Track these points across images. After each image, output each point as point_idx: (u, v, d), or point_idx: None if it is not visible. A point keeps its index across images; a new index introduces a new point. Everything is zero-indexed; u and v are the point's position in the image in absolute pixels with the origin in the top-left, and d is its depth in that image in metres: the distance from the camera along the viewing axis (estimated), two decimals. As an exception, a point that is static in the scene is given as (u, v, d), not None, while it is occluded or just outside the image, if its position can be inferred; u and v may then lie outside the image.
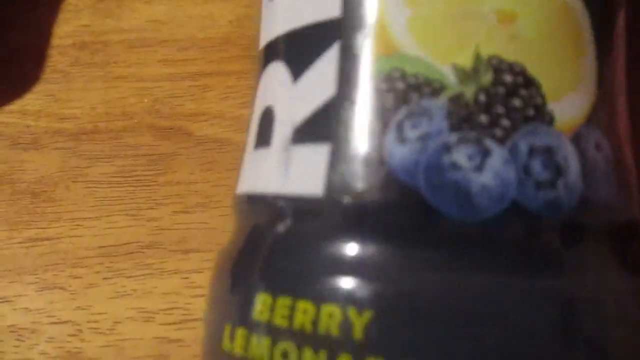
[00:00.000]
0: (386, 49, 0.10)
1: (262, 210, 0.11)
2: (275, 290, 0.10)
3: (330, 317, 0.09)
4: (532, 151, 0.09)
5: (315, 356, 0.09)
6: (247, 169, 0.13)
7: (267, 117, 0.12)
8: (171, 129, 0.26)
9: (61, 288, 0.21)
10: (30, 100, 0.27)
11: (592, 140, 0.10)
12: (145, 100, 0.27)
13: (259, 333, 0.09)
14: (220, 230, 0.22)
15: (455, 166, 0.09)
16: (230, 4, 0.32)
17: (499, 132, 0.09)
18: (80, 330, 0.20)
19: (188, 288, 0.21)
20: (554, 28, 0.10)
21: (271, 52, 0.12)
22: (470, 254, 0.09)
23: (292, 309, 0.09)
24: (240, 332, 0.10)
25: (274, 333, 0.09)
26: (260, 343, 0.09)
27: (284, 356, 0.09)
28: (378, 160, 0.10)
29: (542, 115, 0.09)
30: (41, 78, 0.28)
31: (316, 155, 0.10)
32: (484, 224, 0.09)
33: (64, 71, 0.28)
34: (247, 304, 0.10)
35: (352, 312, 0.09)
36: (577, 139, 0.10)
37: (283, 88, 0.11)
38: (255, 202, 0.12)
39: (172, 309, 0.20)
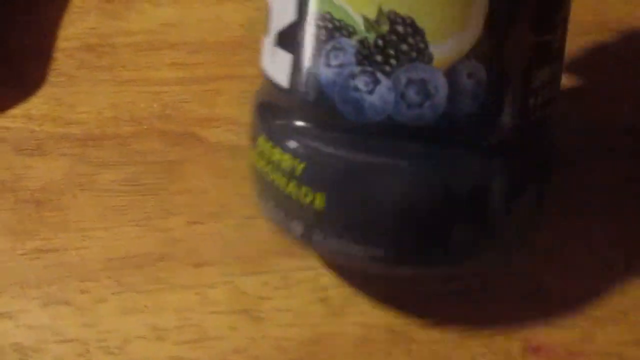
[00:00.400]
0: None
1: (265, 81, 0.17)
2: (266, 136, 0.16)
3: (285, 161, 0.15)
4: (409, 82, 0.13)
5: (279, 178, 0.15)
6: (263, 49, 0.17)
7: (268, 14, 0.16)
8: (182, 135, 0.24)
9: (67, 303, 0.19)
10: (35, 104, 0.25)
11: (466, 70, 0.13)
12: (155, 105, 0.26)
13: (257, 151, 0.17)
14: (235, 241, 0.21)
15: (356, 89, 0.13)
16: (241, 7, 0.31)
17: (387, 68, 0.13)
18: (88, 350, 0.18)
19: (202, 304, 0.19)
20: None
21: None
22: (359, 141, 0.14)
23: (271, 149, 0.16)
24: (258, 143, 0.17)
25: (265, 157, 0.16)
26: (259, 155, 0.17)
27: (264, 172, 0.16)
28: (314, 75, 0.14)
29: (423, 56, 0.13)
30: (46, 81, 0.26)
31: (285, 59, 0.15)
32: (369, 125, 0.14)
33: (70, 74, 0.27)
34: (255, 137, 0.17)
35: (295, 161, 0.15)
36: (450, 71, 0.13)
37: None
38: (264, 76, 0.17)
39: (185, 326, 0.19)
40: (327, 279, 0.20)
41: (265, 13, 0.18)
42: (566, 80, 0.24)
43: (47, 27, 0.28)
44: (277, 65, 0.15)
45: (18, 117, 0.24)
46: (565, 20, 0.15)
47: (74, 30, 0.28)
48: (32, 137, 0.23)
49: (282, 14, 0.15)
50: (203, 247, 0.20)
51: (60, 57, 0.27)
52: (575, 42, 0.27)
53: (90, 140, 0.23)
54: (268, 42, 0.16)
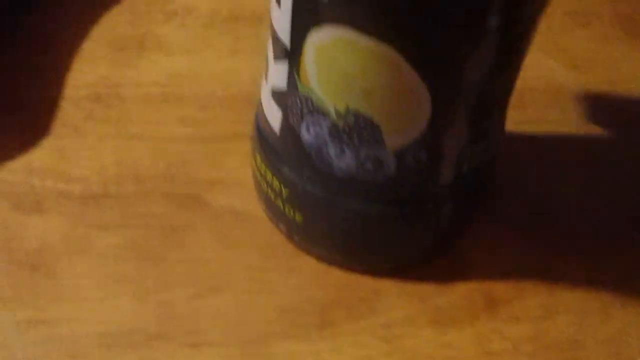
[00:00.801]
0: (305, 81, 0.16)
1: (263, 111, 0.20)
2: (261, 157, 0.20)
3: (275, 183, 0.20)
4: (366, 157, 0.17)
5: (270, 192, 0.20)
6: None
7: (267, 65, 0.19)
8: (186, 197, 0.23)
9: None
10: (38, 156, 0.24)
11: (411, 152, 0.17)
12: (160, 163, 0.24)
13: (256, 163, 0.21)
14: (237, 320, 0.19)
15: (328, 153, 0.17)
16: (254, 61, 0.30)
17: (351, 145, 0.17)
18: None
19: (198, 389, 0.18)
20: (396, 99, 0.16)
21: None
22: (328, 185, 0.18)
23: (265, 169, 0.20)
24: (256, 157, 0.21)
25: (260, 172, 0.21)
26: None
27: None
28: (297, 135, 0.18)
29: (378, 142, 0.16)
30: (51, 132, 0.26)
31: (277, 113, 0.18)
32: (336, 179, 0.18)
33: (76, 125, 0.26)
34: (255, 152, 0.21)
35: (282, 186, 0.20)
36: (398, 153, 0.17)
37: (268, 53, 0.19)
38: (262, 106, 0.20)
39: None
40: (331, 365, 0.19)
41: (265, 62, 0.19)
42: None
43: (56, 74, 0.27)
44: (271, 114, 0.18)
45: (19, 170, 0.23)
46: (505, 103, 0.19)
47: (83, 79, 0.27)
48: (32, 193, 0.22)
49: (276, 77, 0.18)
50: (202, 325, 0.19)
51: (67, 106, 0.26)
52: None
53: (91, 199, 0.22)
54: (266, 89, 0.19)
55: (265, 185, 0.20)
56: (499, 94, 0.17)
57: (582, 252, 0.22)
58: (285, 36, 0.16)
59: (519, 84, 0.19)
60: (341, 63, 0.15)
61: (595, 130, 0.28)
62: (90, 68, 0.28)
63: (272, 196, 0.20)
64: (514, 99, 0.20)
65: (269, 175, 0.20)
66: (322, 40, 0.15)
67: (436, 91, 0.15)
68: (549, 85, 0.30)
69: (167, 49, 0.29)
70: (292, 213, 0.19)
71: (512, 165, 0.25)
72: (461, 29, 0.14)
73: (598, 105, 0.30)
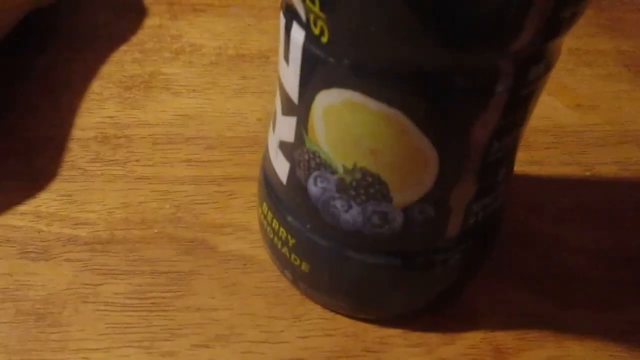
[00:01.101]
0: (313, 138, 0.17)
1: (269, 159, 0.20)
2: (268, 206, 0.20)
3: (282, 232, 0.20)
4: (373, 212, 0.17)
5: (276, 240, 0.20)
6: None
7: (275, 115, 0.19)
8: (193, 241, 0.23)
9: None
10: (45, 200, 0.24)
11: (418, 208, 0.17)
12: (167, 206, 0.25)
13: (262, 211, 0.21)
14: (242, 372, 0.20)
15: (334, 207, 0.17)
16: (260, 100, 0.30)
17: (358, 200, 0.17)
18: None
19: None
20: (404, 159, 0.16)
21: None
22: (335, 237, 0.18)
23: (272, 218, 0.20)
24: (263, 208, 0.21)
25: (267, 220, 0.21)
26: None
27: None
28: (304, 188, 0.18)
29: (385, 198, 0.17)
30: (58, 175, 0.26)
31: (284, 165, 0.19)
32: (343, 231, 0.18)
33: (83, 168, 0.26)
34: (261, 200, 0.21)
35: (288, 235, 0.20)
36: (406, 209, 0.17)
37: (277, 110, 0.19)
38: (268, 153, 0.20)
39: None
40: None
41: (273, 110, 0.19)
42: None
43: (64, 114, 0.27)
44: (278, 164, 0.19)
45: (27, 215, 0.23)
46: (511, 159, 0.18)
47: (91, 119, 0.27)
48: (39, 239, 0.22)
49: (284, 131, 0.18)
50: (207, 377, 0.19)
51: (75, 148, 0.26)
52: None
53: (98, 245, 0.22)
54: (273, 140, 0.19)
55: (271, 233, 0.20)
56: (506, 152, 0.17)
57: (591, 301, 0.22)
58: (293, 93, 0.16)
59: None
60: (349, 124, 0.15)
61: (600, 171, 0.28)
62: (98, 108, 0.28)
63: (279, 244, 0.20)
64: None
65: (276, 224, 0.20)
66: (330, 101, 0.15)
67: (443, 152, 0.15)
68: (553, 126, 0.30)
69: (174, 88, 0.29)
70: (298, 262, 0.19)
71: (518, 209, 0.25)
72: (469, 95, 0.14)
73: (602, 145, 0.30)
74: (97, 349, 0.19)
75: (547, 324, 0.22)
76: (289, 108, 0.17)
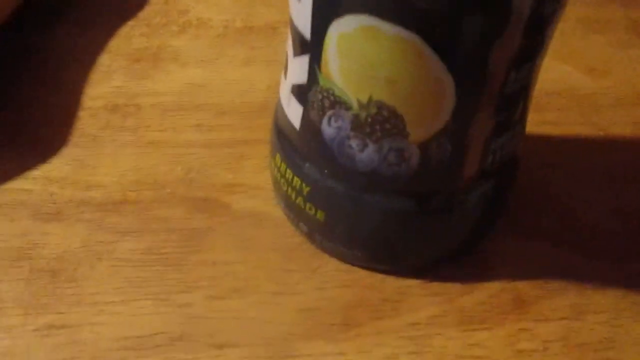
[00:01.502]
0: (327, 73, 0.16)
1: (282, 109, 0.20)
2: (281, 156, 0.20)
3: (296, 181, 0.20)
4: (390, 149, 0.17)
5: (290, 191, 0.20)
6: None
7: (287, 61, 0.19)
8: (205, 200, 0.23)
9: (77, 387, 0.18)
10: (57, 166, 0.24)
11: (435, 144, 0.16)
12: (179, 169, 0.25)
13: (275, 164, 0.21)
14: (260, 321, 0.19)
15: (350, 147, 0.17)
16: (269, 69, 0.30)
17: (374, 137, 0.17)
18: None
19: (223, 391, 0.18)
20: (420, 88, 0.16)
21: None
22: (351, 180, 0.18)
23: (285, 168, 0.20)
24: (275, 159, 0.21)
25: (280, 171, 0.21)
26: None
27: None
28: (319, 129, 0.18)
29: (401, 133, 0.16)
30: (69, 141, 0.26)
31: (298, 109, 0.19)
32: (359, 173, 0.18)
33: (94, 135, 0.26)
34: (274, 153, 0.21)
35: (303, 184, 0.19)
36: (422, 144, 0.16)
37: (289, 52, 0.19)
38: (281, 104, 0.20)
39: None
40: (357, 366, 0.18)
41: (285, 57, 0.19)
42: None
43: (73, 86, 0.28)
44: (291, 110, 0.18)
45: (38, 179, 0.23)
46: (528, 95, 0.18)
47: (100, 90, 0.28)
48: (51, 201, 0.22)
49: (296, 73, 0.18)
50: (225, 327, 0.19)
51: (85, 116, 0.26)
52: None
53: (111, 206, 0.22)
54: (285, 86, 0.19)
55: (285, 184, 0.20)
56: (523, 84, 0.17)
57: (611, 253, 0.22)
58: (305, 29, 0.16)
59: (536, 87, 0.19)
60: (364, 52, 0.15)
61: (614, 131, 0.28)
62: (107, 79, 0.28)
63: (293, 195, 0.20)
64: (532, 102, 0.20)
65: (289, 174, 0.20)
66: (344, 29, 0.15)
67: (461, 80, 0.15)
68: (566, 89, 0.30)
69: (182, 59, 0.30)
70: (313, 211, 0.19)
71: (534, 167, 0.25)
72: (487, 16, 0.14)
73: (616, 106, 0.29)
74: (113, 302, 0.19)
75: (568, 274, 0.21)
76: (301, 47, 0.17)
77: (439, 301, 0.20)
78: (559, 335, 0.20)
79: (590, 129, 0.28)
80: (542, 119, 0.28)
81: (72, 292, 0.19)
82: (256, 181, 0.24)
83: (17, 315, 0.19)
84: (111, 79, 0.28)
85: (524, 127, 0.19)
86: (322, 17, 0.16)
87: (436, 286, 0.20)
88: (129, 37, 0.31)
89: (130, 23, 0.32)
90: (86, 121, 0.26)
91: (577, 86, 0.30)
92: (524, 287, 0.21)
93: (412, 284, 0.20)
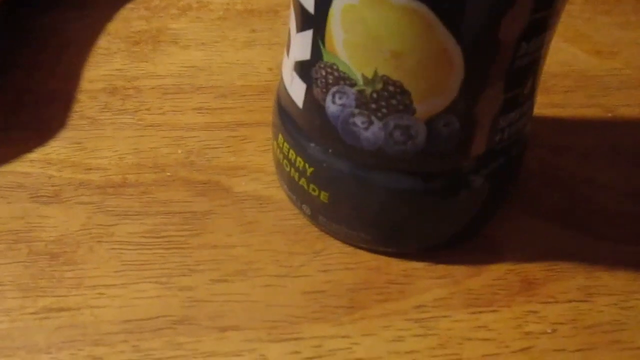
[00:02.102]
0: (331, 48, 0.16)
1: (284, 87, 0.20)
2: (284, 136, 0.20)
3: (299, 162, 0.19)
4: (396, 126, 0.16)
5: (293, 172, 0.20)
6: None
7: (289, 38, 0.19)
8: (207, 183, 0.23)
9: (78, 370, 0.17)
10: (55, 148, 0.24)
11: (442, 120, 0.16)
12: (179, 151, 0.24)
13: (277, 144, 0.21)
14: (264, 304, 0.19)
15: (355, 124, 0.17)
16: (270, 52, 0.30)
17: (379, 114, 0.16)
18: None
19: (225, 374, 0.17)
20: (428, 62, 0.15)
21: None
22: (355, 159, 0.18)
23: (288, 149, 0.20)
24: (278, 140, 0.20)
25: (283, 152, 0.20)
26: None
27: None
28: (322, 107, 0.17)
29: (408, 110, 0.16)
30: (67, 124, 0.25)
31: (301, 87, 0.18)
32: (364, 152, 0.17)
33: (93, 117, 0.26)
34: (276, 133, 0.21)
35: (306, 164, 0.19)
36: (429, 121, 0.16)
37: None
38: (283, 83, 0.20)
39: (206, 399, 0.17)
40: (362, 349, 0.18)
41: (287, 34, 0.18)
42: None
43: (71, 69, 0.27)
44: (294, 88, 0.18)
45: (36, 162, 0.23)
46: (537, 71, 0.18)
47: (99, 72, 0.27)
48: (50, 184, 0.22)
49: (299, 49, 0.17)
50: (227, 309, 0.18)
51: (84, 99, 0.26)
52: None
53: (111, 188, 0.22)
54: (287, 64, 0.18)
55: (288, 165, 0.20)
56: (533, 58, 0.16)
57: (621, 235, 0.22)
58: (309, 2, 0.16)
59: (543, 69, 0.19)
60: (370, 24, 0.15)
61: (623, 113, 0.28)
62: (106, 62, 0.28)
63: (296, 176, 0.19)
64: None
65: (293, 154, 0.19)
66: (349, 1, 0.15)
67: (469, 52, 0.15)
68: (573, 71, 0.30)
69: (182, 42, 0.29)
70: (317, 192, 0.19)
71: (542, 148, 0.25)
72: None
73: (624, 88, 0.29)
74: (113, 285, 0.19)
75: (576, 256, 0.21)
76: (304, 21, 0.17)
77: (446, 283, 0.20)
78: (567, 317, 0.19)
79: (598, 110, 0.28)
80: (549, 101, 0.28)
81: (72, 275, 0.19)
82: (258, 164, 0.23)
83: (15, 298, 0.18)
84: (110, 61, 0.28)
85: (532, 105, 0.19)
86: None
87: (442, 268, 0.20)
88: (128, 20, 0.30)
89: (129, 6, 0.31)
90: (85, 104, 0.25)
91: (584, 68, 0.30)
92: (531, 269, 0.20)
93: (418, 267, 0.20)
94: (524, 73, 0.17)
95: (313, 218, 0.20)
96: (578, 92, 0.28)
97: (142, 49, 0.28)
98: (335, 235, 0.20)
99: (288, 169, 0.20)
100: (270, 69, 0.28)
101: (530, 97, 0.18)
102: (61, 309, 0.18)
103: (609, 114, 0.27)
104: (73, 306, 0.18)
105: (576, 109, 0.27)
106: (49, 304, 0.18)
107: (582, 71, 0.30)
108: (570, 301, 0.20)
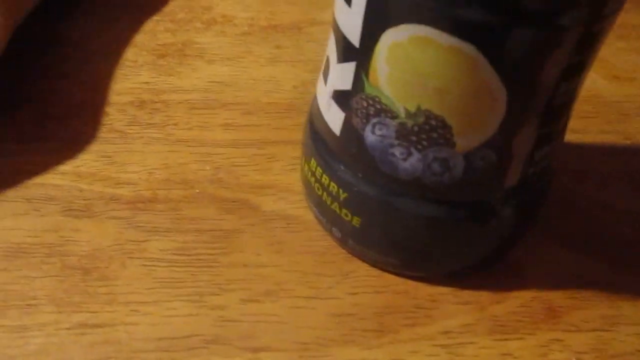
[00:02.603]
0: (374, 81, 0.16)
1: (318, 109, 0.20)
2: (317, 161, 0.20)
3: (332, 187, 0.20)
4: (434, 158, 0.17)
5: (325, 196, 0.20)
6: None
7: (327, 65, 0.19)
8: (235, 201, 0.23)
9: (112, 387, 0.18)
10: (85, 161, 0.24)
11: (480, 154, 0.16)
12: (207, 168, 0.25)
13: (309, 167, 0.21)
14: (294, 325, 0.19)
15: (393, 155, 0.17)
16: (294, 69, 0.30)
17: (419, 146, 0.16)
18: None
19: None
20: (472, 99, 0.15)
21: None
22: (391, 188, 0.18)
23: (321, 173, 0.20)
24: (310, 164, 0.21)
25: (315, 176, 0.21)
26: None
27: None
28: (361, 137, 0.17)
29: (448, 143, 0.16)
30: (97, 137, 0.25)
31: (338, 115, 0.19)
32: (401, 184, 0.18)
33: (122, 131, 0.26)
34: (309, 156, 0.21)
35: (339, 190, 0.19)
36: (467, 154, 0.16)
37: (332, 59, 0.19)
38: (317, 103, 0.20)
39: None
40: (391, 372, 0.18)
41: (324, 61, 0.19)
42: None
43: (98, 81, 0.28)
44: (331, 115, 0.18)
45: (67, 175, 0.23)
46: (572, 107, 0.18)
47: (126, 85, 0.27)
48: (81, 197, 0.22)
49: (340, 79, 0.18)
50: (259, 330, 0.19)
51: (112, 112, 0.26)
52: None
53: (141, 203, 0.22)
54: (325, 91, 0.19)
55: (320, 189, 0.20)
56: (569, 96, 0.17)
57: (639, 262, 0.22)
58: (354, 36, 0.16)
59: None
60: (416, 62, 0.15)
61: (638, 139, 0.28)
62: (133, 74, 0.28)
63: (328, 200, 0.20)
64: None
65: (326, 179, 0.20)
66: (397, 39, 0.15)
67: (513, 91, 0.15)
68: (591, 96, 0.30)
69: (207, 56, 0.29)
70: (349, 217, 0.19)
71: (563, 175, 0.25)
72: (544, 30, 0.14)
73: (641, 115, 0.29)
74: (146, 302, 0.19)
75: (598, 285, 0.21)
76: (347, 53, 0.17)
77: (471, 309, 0.20)
78: (591, 346, 0.20)
79: (617, 137, 0.28)
80: (568, 127, 0.28)
81: (105, 290, 0.19)
82: (285, 183, 0.24)
83: (50, 313, 0.19)
84: (137, 74, 0.28)
85: (563, 138, 0.19)
86: (375, 25, 0.15)
87: (468, 294, 0.20)
88: (154, 32, 0.30)
89: (155, 18, 0.31)
90: (114, 116, 0.26)
91: (602, 94, 0.30)
92: (555, 296, 0.21)
93: (445, 291, 0.20)
94: (561, 110, 0.17)
95: (342, 241, 0.20)
96: (597, 118, 0.29)
97: (169, 62, 0.29)
98: (364, 259, 0.21)
99: (320, 193, 0.20)
100: (295, 87, 0.28)
101: (563, 130, 0.18)
102: (95, 325, 0.18)
103: (628, 141, 0.28)
104: (107, 322, 0.19)
105: (595, 136, 0.28)
106: (83, 319, 0.19)
107: (600, 97, 0.30)
108: (593, 330, 0.20)
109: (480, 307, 0.20)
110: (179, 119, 0.26)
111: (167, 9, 0.32)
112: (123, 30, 0.30)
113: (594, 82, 0.31)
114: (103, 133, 0.25)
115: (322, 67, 0.19)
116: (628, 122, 0.29)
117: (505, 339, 0.19)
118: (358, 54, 0.16)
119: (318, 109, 0.20)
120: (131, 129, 0.25)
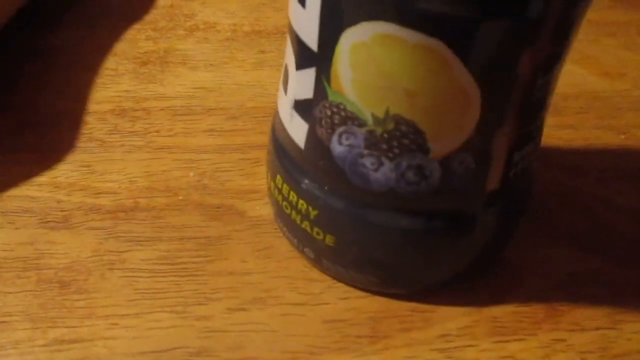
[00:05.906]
0: (337, 87, 0.15)
1: (281, 123, 0.18)
2: (283, 177, 0.19)
3: (301, 204, 0.18)
4: (408, 167, 0.15)
5: (294, 215, 0.18)
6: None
7: (286, 73, 0.17)
8: (220, 207, 0.22)
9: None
10: (63, 172, 0.23)
11: (457, 159, 0.15)
12: (191, 174, 0.24)
13: (275, 184, 0.19)
14: (283, 333, 0.18)
15: (364, 166, 0.15)
16: (279, 73, 0.29)
17: (390, 155, 0.15)
18: None
19: (246, 409, 0.16)
20: (443, 100, 0.14)
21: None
22: (364, 202, 0.16)
23: (288, 190, 0.18)
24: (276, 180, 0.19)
25: (282, 193, 0.19)
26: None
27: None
28: (327, 148, 0.16)
29: (421, 149, 0.15)
30: (76, 146, 0.25)
31: (302, 126, 0.17)
32: (375, 197, 0.16)
33: (101, 139, 0.25)
34: (274, 173, 0.19)
35: (309, 207, 0.17)
36: (443, 160, 0.15)
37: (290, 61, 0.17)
38: (279, 118, 0.19)
39: None
40: (388, 380, 0.17)
41: (283, 69, 0.18)
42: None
43: (78, 90, 0.27)
44: (294, 127, 0.17)
45: (45, 186, 0.22)
46: (549, 102, 0.17)
47: (107, 93, 0.26)
48: (59, 208, 0.21)
49: (300, 87, 0.16)
50: (246, 340, 0.18)
51: (92, 121, 0.25)
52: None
53: (122, 213, 0.21)
54: (285, 101, 0.17)
55: (288, 207, 0.18)
56: (547, 90, 0.16)
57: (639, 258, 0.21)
58: (311, 40, 0.14)
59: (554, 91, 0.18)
60: (381, 63, 0.13)
61: (635, 134, 0.27)
62: (114, 83, 0.27)
63: (298, 219, 0.18)
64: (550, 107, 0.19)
65: (293, 196, 0.17)
66: (359, 39, 0.13)
67: (487, 89, 0.14)
68: (583, 92, 0.29)
69: (190, 63, 0.29)
70: (321, 235, 0.17)
71: (557, 171, 0.25)
72: (518, 20, 0.13)
73: (634, 109, 0.29)
74: (127, 315, 0.18)
75: (600, 282, 0.20)
76: (305, 59, 0.15)
77: (469, 311, 0.19)
78: (595, 345, 0.19)
79: (610, 132, 0.27)
80: (561, 123, 0.27)
81: (83, 304, 0.18)
82: (272, 187, 0.23)
83: (24, 330, 0.17)
84: (118, 82, 0.27)
85: (541, 136, 0.18)
86: (333, 25, 0.14)
87: (465, 296, 0.19)
88: (135, 41, 0.30)
89: (136, 26, 0.31)
90: (93, 125, 0.25)
91: (595, 89, 0.30)
92: (555, 295, 0.20)
93: (440, 293, 0.19)
94: (539, 106, 0.16)
95: (317, 262, 0.19)
96: (590, 113, 0.28)
97: (150, 70, 0.28)
98: (341, 279, 0.19)
99: (288, 211, 0.18)
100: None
101: (541, 128, 0.18)
102: (73, 341, 0.17)
103: (622, 136, 0.27)
104: (85, 337, 0.17)
105: (589, 131, 0.27)
106: (60, 335, 0.17)
107: (592, 92, 0.29)
108: (597, 329, 0.19)
109: (478, 309, 0.19)
110: (161, 126, 0.25)
111: (149, 17, 0.31)
112: (103, 39, 0.29)
113: (584, 78, 0.30)
114: (82, 142, 0.24)
115: (281, 77, 0.18)
116: (621, 117, 0.28)
117: (506, 341, 0.18)
118: (317, 59, 0.15)
119: (280, 121, 0.18)
120: (111, 138, 0.24)
